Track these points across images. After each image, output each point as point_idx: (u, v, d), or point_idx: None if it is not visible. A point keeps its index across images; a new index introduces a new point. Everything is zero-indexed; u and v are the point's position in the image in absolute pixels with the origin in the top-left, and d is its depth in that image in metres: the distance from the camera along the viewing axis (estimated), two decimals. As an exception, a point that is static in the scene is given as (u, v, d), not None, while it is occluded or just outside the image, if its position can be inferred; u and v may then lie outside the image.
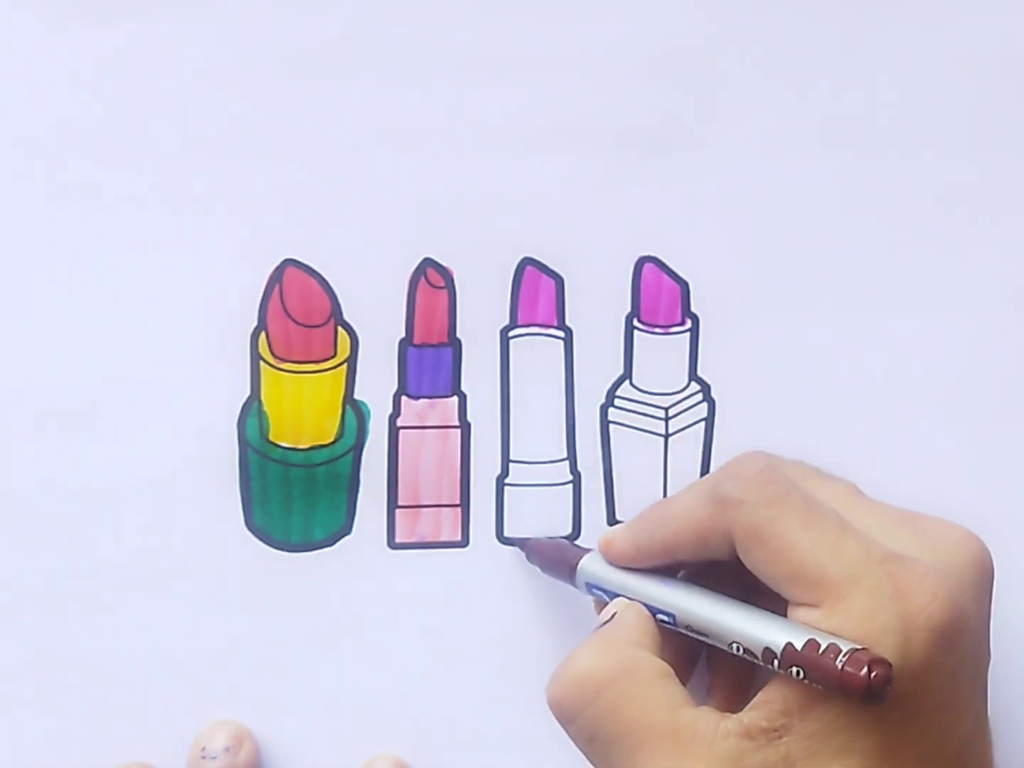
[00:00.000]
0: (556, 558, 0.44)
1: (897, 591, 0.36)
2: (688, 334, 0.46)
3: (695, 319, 0.46)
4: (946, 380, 0.46)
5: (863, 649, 0.35)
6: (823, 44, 0.46)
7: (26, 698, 0.44)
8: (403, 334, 0.45)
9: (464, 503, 0.45)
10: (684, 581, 0.41)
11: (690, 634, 0.39)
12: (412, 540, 0.45)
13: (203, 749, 0.44)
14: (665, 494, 0.46)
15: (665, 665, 0.39)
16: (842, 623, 0.36)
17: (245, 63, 0.44)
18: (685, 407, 0.46)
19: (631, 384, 0.46)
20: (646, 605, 0.41)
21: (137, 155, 0.44)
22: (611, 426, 0.46)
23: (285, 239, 0.45)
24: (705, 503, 0.39)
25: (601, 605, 0.42)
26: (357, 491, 0.45)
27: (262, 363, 0.45)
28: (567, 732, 0.39)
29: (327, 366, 0.45)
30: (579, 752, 0.46)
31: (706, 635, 0.39)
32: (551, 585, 0.45)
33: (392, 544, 0.45)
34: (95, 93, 0.44)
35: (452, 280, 0.45)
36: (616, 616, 0.40)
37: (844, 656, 0.35)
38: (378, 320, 0.45)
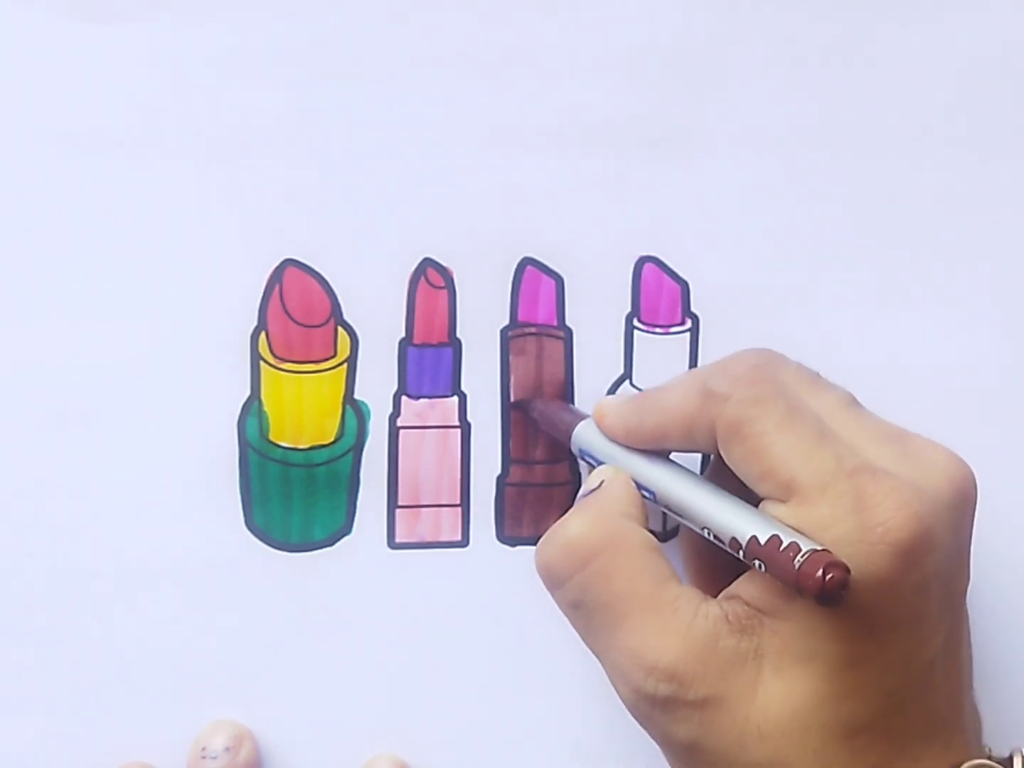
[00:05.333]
0: (556, 420, 0.44)
1: (860, 504, 0.36)
2: (688, 334, 0.46)
3: (695, 319, 0.46)
4: (946, 380, 0.46)
5: (824, 551, 0.35)
6: (823, 44, 0.46)
7: (26, 698, 0.44)
8: (403, 334, 0.45)
9: (464, 503, 0.45)
10: (670, 461, 0.41)
11: (669, 513, 0.40)
12: (412, 540, 0.45)
13: (203, 749, 0.44)
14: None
15: (653, 538, 0.39)
16: (801, 526, 0.36)
17: (245, 63, 0.44)
18: (685, 407, 0.46)
19: (631, 384, 0.46)
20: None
21: (137, 155, 0.44)
22: (611, 426, 0.46)
23: (285, 239, 0.45)
24: (694, 395, 0.39)
25: (591, 471, 0.42)
26: (357, 491, 0.45)
27: (262, 363, 0.45)
28: (553, 596, 0.40)
29: (327, 366, 0.45)
30: (579, 752, 0.46)
31: (682, 516, 0.39)
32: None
33: (392, 544, 0.45)
34: (95, 93, 0.44)
35: (452, 280, 0.45)
36: (604, 485, 0.41)
37: (804, 556, 0.35)
38: (378, 320, 0.45)
